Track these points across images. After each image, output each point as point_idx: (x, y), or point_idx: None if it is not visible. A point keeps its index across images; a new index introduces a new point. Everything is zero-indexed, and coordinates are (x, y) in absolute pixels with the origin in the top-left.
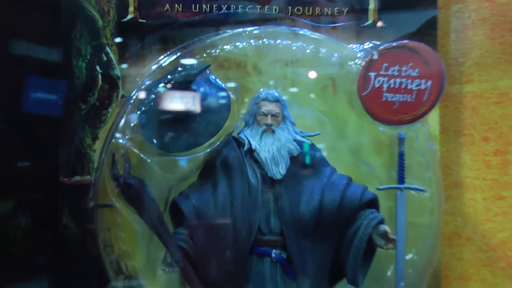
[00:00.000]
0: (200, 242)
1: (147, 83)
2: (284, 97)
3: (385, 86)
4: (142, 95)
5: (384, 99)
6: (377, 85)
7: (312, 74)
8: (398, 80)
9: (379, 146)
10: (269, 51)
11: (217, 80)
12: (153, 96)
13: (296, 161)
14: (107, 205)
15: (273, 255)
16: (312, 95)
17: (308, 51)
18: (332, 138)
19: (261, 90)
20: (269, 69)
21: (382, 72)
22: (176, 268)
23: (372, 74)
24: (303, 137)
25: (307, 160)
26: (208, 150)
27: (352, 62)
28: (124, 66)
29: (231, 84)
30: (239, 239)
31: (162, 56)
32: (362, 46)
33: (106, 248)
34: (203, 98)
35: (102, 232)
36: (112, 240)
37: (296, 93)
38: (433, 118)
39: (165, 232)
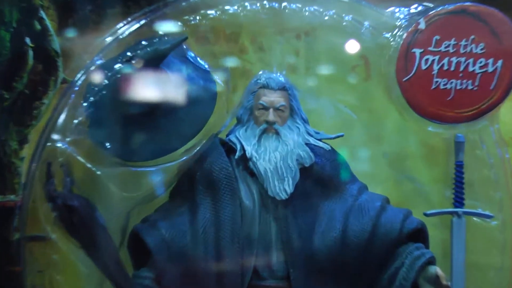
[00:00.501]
0: None
1: (99, 62)
2: (294, 84)
3: (435, 67)
4: (91, 79)
5: (434, 86)
6: (424, 67)
7: (336, 51)
8: (454, 59)
9: (428, 154)
10: (272, 18)
11: (198, 59)
12: (106, 81)
13: (309, 174)
14: (39, 237)
15: None
16: (335, 81)
17: (327, 18)
18: (363, 142)
19: (261, 73)
20: (272, 43)
21: (431, 48)
22: None
23: (418, 51)
24: (319, 140)
25: (326, 172)
26: (185, 158)
27: (389, 34)
28: (67, 36)
29: (219, 65)
30: (226, 286)
31: (121, 24)
32: (405, 10)
33: None
34: (179, 84)
35: (31, 276)
36: (46, 286)
37: (311, 77)
38: (508, 114)
39: (121, 274)
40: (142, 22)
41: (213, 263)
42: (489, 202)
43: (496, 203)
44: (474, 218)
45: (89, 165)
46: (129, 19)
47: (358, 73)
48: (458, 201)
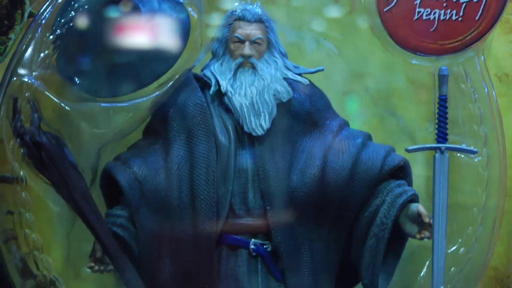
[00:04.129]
0: (145, 228)
1: None
2: (271, 15)
3: None
4: (58, 11)
5: (416, 16)
6: None
7: None
8: None
9: (412, 89)
10: None
11: None
12: (73, 12)
13: (286, 110)
14: (5, 177)
15: (252, 246)
16: (317, 13)
17: None
18: (345, 77)
19: (236, 4)
20: None
21: None
22: (109, 266)
23: None
24: (299, 74)
25: (305, 108)
26: (157, 93)
27: None
28: None
29: None
30: (201, 223)
31: None
32: None
33: (8, 243)
34: (148, 15)
35: (0, 218)
36: (17, 228)
37: (291, 8)
38: (501, 49)
39: (93, 213)
40: None
41: (188, 201)
42: (474, 138)
43: (481, 139)
44: (458, 154)
45: (57, 101)
46: None
47: (342, 4)
48: (441, 136)
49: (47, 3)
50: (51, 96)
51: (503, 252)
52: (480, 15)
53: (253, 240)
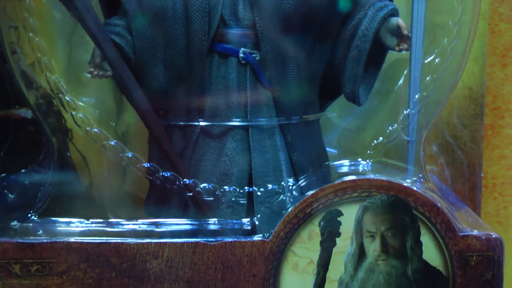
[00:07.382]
0: (141, 36)
1: None
2: None
3: None
4: None
5: None
6: None
7: None
8: None
9: None
10: None
11: None
12: None
13: None
14: None
15: (241, 54)
16: None
17: None
18: None
19: None
20: None
21: None
22: (108, 72)
23: None
24: None
25: None
26: None
27: None
28: None
29: None
30: (194, 32)
31: None
32: None
33: (14, 55)
34: None
35: (5, 33)
36: (21, 33)
37: None
38: None
39: (93, 20)
40: None
41: (181, 11)
42: None
43: None
44: None
45: None
46: None
47: None
48: None
49: None
50: None
51: (477, 73)
52: None
53: (242, 48)
